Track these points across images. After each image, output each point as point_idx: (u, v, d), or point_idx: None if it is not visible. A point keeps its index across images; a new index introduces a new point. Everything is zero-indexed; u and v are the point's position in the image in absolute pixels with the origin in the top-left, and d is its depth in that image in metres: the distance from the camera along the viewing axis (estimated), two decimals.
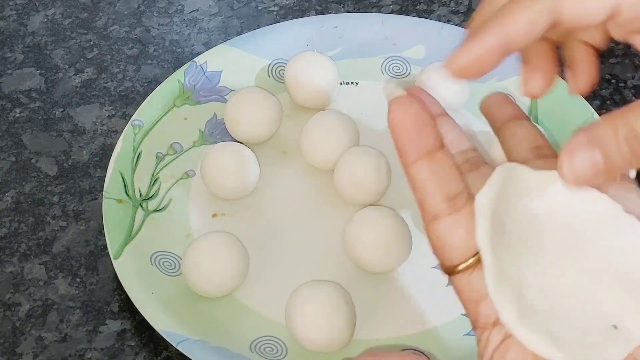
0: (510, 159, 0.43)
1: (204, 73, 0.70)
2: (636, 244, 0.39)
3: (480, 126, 0.67)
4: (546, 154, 0.43)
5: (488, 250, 0.38)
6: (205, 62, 0.71)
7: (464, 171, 0.41)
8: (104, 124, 0.71)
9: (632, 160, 0.39)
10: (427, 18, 0.76)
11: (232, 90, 0.70)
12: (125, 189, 0.64)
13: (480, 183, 0.40)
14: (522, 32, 0.40)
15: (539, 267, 0.38)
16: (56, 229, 0.65)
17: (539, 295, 0.38)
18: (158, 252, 0.62)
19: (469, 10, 0.78)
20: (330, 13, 0.78)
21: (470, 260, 0.39)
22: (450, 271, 0.39)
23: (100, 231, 0.64)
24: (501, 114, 0.45)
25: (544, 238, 0.39)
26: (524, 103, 0.69)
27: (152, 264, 0.61)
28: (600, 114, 0.68)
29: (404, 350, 0.40)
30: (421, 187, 0.39)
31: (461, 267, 0.39)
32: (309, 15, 0.78)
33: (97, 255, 0.63)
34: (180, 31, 0.77)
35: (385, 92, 0.42)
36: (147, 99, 0.69)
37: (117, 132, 0.69)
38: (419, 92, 0.45)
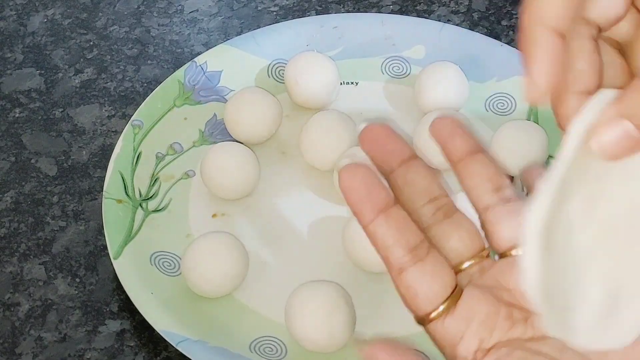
0: (472, 199, 0.43)
1: (204, 73, 0.70)
2: None
3: (480, 127, 0.67)
4: (508, 198, 0.43)
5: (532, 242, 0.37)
6: (205, 62, 0.71)
7: (437, 220, 0.42)
8: (103, 124, 0.71)
9: None
10: (427, 18, 0.76)
11: (232, 90, 0.70)
12: (125, 189, 0.64)
13: (454, 231, 0.41)
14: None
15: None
16: (56, 229, 0.65)
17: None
18: (158, 252, 0.61)
19: (469, 10, 0.78)
20: (330, 13, 0.78)
21: (441, 308, 0.40)
22: (423, 321, 0.40)
23: (100, 231, 0.63)
24: (454, 148, 0.43)
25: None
26: (524, 103, 0.68)
27: (151, 264, 0.61)
28: None
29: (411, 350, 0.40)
30: (382, 243, 0.41)
31: (433, 314, 0.40)
32: (309, 16, 0.77)
33: (96, 255, 0.63)
34: (180, 31, 0.77)
35: (358, 131, 0.43)
36: (147, 99, 0.68)
37: (117, 132, 0.69)
38: (384, 130, 0.43)
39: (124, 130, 0.67)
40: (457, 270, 0.41)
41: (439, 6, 0.78)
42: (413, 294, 0.40)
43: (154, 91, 0.69)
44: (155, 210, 0.64)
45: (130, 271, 0.59)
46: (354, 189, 0.40)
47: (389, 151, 0.42)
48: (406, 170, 0.42)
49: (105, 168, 0.65)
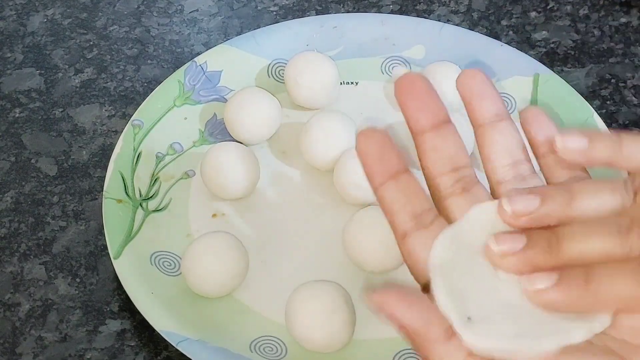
0: (486, 170, 0.43)
1: (204, 73, 0.70)
2: None
3: None
4: (524, 175, 0.42)
5: (436, 272, 0.40)
6: (205, 62, 0.71)
7: (455, 192, 0.42)
8: (103, 124, 0.71)
9: None
10: (427, 18, 0.76)
11: (232, 90, 0.70)
12: (125, 189, 0.64)
13: (468, 206, 0.41)
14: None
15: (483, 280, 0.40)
16: (56, 229, 0.65)
17: (483, 302, 0.39)
18: (158, 252, 0.62)
19: (469, 10, 0.78)
20: (330, 13, 0.78)
21: None
22: (426, 289, 0.40)
23: (100, 231, 0.63)
24: (480, 111, 0.43)
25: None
26: (524, 102, 0.69)
27: (152, 264, 0.61)
28: (600, 114, 0.68)
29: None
30: (389, 207, 0.41)
31: None
32: (308, 15, 0.77)
33: (97, 255, 0.63)
34: (180, 31, 0.77)
35: (393, 77, 0.43)
36: (147, 99, 0.68)
37: (117, 132, 0.69)
38: (420, 80, 0.43)
39: (124, 130, 0.67)
40: None
41: (439, 6, 0.78)
42: (415, 260, 0.41)
43: (154, 91, 0.69)
44: (156, 210, 0.64)
45: (131, 271, 0.59)
46: (368, 152, 0.41)
47: (425, 109, 0.42)
48: (436, 135, 0.42)
49: (106, 168, 0.65)
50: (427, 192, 0.42)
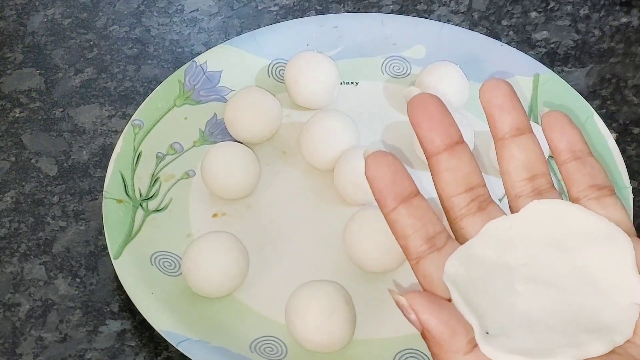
0: (505, 183, 0.43)
1: (204, 73, 0.70)
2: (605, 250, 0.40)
3: (480, 126, 0.67)
4: (541, 189, 0.43)
5: (452, 288, 0.40)
6: (205, 62, 0.71)
7: (470, 212, 0.42)
8: (104, 124, 0.71)
9: None
10: (427, 18, 0.76)
11: (232, 90, 0.70)
12: (125, 189, 0.64)
13: (483, 225, 0.42)
14: None
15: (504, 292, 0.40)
16: (56, 229, 0.65)
17: (500, 316, 0.39)
18: (158, 252, 0.62)
19: (469, 10, 0.78)
20: (330, 13, 0.78)
21: None
22: None
23: (100, 231, 0.64)
24: (501, 124, 0.43)
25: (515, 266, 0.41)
26: (524, 102, 0.69)
27: (152, 264, 0.61)
28: (600, 114, 0.68)
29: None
30: (402, 231, 0.41)
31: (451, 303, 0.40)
32: (309, 15, 0.77)
33: (97, 255, 0.63)
34: (180, 31, 0.77)
35: (406, 96, 0.43)
36: (147, 99, 0.68)
37: (117, 132, 0.69)
38: (434, 101, 0.43)
39: (124, 130, 0.67)
40: None
41: (439, 6, 0.78)
42: (429, 281, 0.41)
43: (154, 91, 0.69)
44: (156, 210, 0.64)
45: (131, 271, 0.59)
46: (378, 177, 0.41)
47: (439, 130, 0.42)
48: (450, 156, 0.42)
49: (106, 168, 0.65)
50: (439, 212, 0.43)
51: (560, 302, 0.39)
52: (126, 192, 0.64)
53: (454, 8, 0.78)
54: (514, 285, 0.40)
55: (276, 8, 0.79)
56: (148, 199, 0.64)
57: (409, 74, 0.72)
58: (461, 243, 0.42)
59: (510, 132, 0.43)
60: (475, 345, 0.38)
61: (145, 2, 0.79)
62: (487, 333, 0.38)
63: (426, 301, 0.39)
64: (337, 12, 0.78)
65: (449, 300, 0.40)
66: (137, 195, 0.64)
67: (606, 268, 0.40)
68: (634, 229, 0.42)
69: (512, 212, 0.43)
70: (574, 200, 0.42)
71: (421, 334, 0.39)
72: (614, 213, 0.42)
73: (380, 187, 0.41)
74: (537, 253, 0.41)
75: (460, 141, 0.43)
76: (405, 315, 0.39)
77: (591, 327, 0.38)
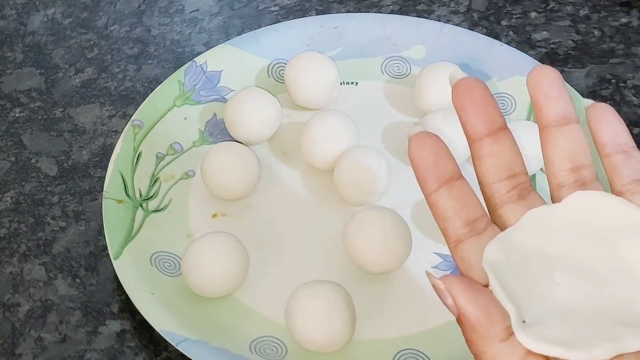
0: (548, 172, 0.43)
1: (204, 73, 0.70)
2: None
3: None
4: (584, 180, 0.42)
5: (491, 273, 0.39)
6: (205, 62, 0.71)
7: (510, 199, 0.42)
8: (104, 124, 0.71)
9: None
10: (427, 18, 0.76)
11: (232, 90, 0.70)
12: (125, 189, 0.64)
13: (523, 214, 0.41)
14: None
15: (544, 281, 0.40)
16: (56, 229, 0.65)
17: (537, 305, 0.39)
18: (158, 252, 0.62)
19: (469, 10, 0.78)
20: (330, 13, 0.78)
21: None
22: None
23: (100, 231, 0.64)
24: (547, 111, 0.43)
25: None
26: (524, 102, 0.69)
27: (152, 264, 0.61)
28: None
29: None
30: (442, 213, 0.41)
31: (489, 287, 0.40)
32: (309, 15, 0.78)
33: (97, 255, 0.63)
34: (180, 31, 0.77)
35: (450, 79, 0.42)
36: (147, 99, 0.68)
37: (117, 132, 0.69)
38: (479, 85, 0.42)
39: (124, 130, 0.67)
40: None
41: (439, 6, 0.78)
42: (467, 266, 0.41)
43: (154, 91, 0.69)
44: (156, 210, 0.64)
45: (131, 271, 0.59)
46: (421, 157, 0.40)
47: (483, 115, 0.42)
48: (493, 142, 0.42)
49: (106, 168, 0.65)
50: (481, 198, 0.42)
51: (599, 295, 0.39)
52: (126, 192, 0.64)
53: (453, 8, 0.78)
54: (553, 275, 0.39)
55: (277, 8, 0.79)
56: (148, 199, 0.64)
57: (408, 74, 0.72)
58: (501, 230, 0.41)
59: (556, 121, 0.42)
60: (512, 333, 0.38)
61: (145, 2, 0.79)
62: (524, 322, 0.38)
63: (464, 285, 0.38)
64: (338, 12, 0.78)
65: (486, 286, 0.40)
66: (137, 196, 0.64)
67: None
68: None
69: (553, 201, 0.42)
70: (617, 193, 0.42)
71: (457, 319, 0.39)
72: None
73: (422, 168, 0.41)
74: (577, 244, 0.40)
75: (504, 127, 0.42)
76: (441, 299, 0.38)
77: (629, 321, 0.38)
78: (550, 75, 0.42)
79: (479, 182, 0.43)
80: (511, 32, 0.76)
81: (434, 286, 0.39)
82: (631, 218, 0.41)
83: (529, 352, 0.38)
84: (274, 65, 0.72)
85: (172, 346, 0.56)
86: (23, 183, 0.67)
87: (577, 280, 0.39)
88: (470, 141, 0.42)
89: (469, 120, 0.42)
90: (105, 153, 0.69)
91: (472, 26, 0.76)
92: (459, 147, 0.63)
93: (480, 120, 0.42)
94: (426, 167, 0.41)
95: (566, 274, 0.40)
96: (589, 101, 0.43)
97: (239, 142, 0.66)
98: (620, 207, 0.41)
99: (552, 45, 0.75)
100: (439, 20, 0.76)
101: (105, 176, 0.64)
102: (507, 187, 0.42)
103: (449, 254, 0.42)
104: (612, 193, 0.42)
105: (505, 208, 0.42)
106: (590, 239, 0.41)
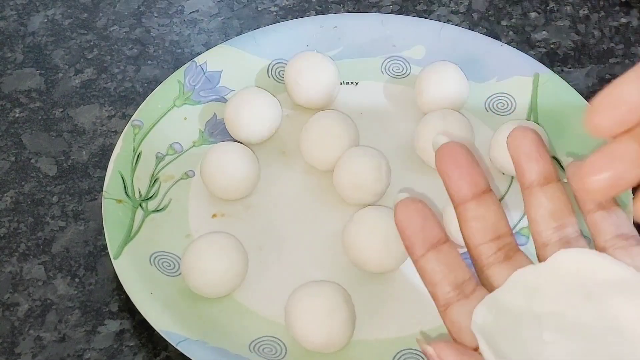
0: (532, 231, 0.43)
1: (204, 73, 0.70)
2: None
3: (480, 126, 0.67)
4: (568, 238, 0.42)
5: (480, 337, 0.40)
6: (205, 62, 0.71)
7: (497, 261, 0.42)
8: (103, 124, 0.71)
9: None
10: (426, 18, 0.76)
11: (232, 90, 0.70)
12: (125, 189, 0.64)
13: (510, 274, 0.42)
14: None
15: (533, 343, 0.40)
16: (55, 229, 0.65)
17: None
18: (157, 252, 0.61)
19: (469, 10, 0.78)
20: (330, 13, 0.78)
21: None
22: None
23: (100, 231, 0.63)
24: (528, 172, 0.43)
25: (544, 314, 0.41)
26: (524, 102, 0.68)
27: (151, 264, 0.61)
28: None
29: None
30: (431, 278, 0.42)
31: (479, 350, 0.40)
32: (308, 16, 0.77)
33: (96, 255, 0.63)
34: (180, 32, 0.77)
35: (433, 144, 0.43)
36: (147, 99, 0.68)
37: (117, 132, 0.69)
38: (462, 150, 0.43)
39: (124, 130, 0.67)
40: None
41: (439, 6, 0.78)
42: (458, 329, 0.41)
43: (154, 91, 0.69)
44: (155, 210, 0.64)
45: (130, 271, 0.59)
46: (408, 223, 0.41)
47: (467, 179, 0.42)
48: (478, 204, 0.42)
49: (105, 168, 0.65)
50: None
51: (590, 353, 0.39)
52: (126, 192, 0.64)
53: (453, 8, 0.78)
54: (543, 334, 0.40)
55: (276, 9, 0.79)
56: (148, 199, 0.64)
57: (408, 74, 0.72)
58: (489, 291, 0.42)
59: (537, 181, 0.43)
60: None
61: (145, 3, 0.79)
62: None
63: (453, 351, 0.39)
64: (337, 12, 0.78)
65: (477, 348, 0.40)
66: (137, 196, 0.64)
67: (634, 318, 0.40)
68: None
69: (539, 260, 0.43)
70: (600, 249, 0.42)
71: None
72: None
73: (409, 234, 0.42)
74: (566, 302, 0.41)
75: (488, 190, 0.43)
76: None
77: None
78: (529, 137, 0.43)
79: (465, 244, 0.43)
80: (511, 32, 0.76)
81: (424, 352, 0.39)
82: (616, 274, 0.41)
83: None
84: (274, 65, 0.72)
85: (172, 346, 0.56)
86: (23, 183, 0.67)
87: (567, 339, 0.40)
88: (455, 205, 0.43)
89: (453, 185, 0.42)
90: (104, 153, 0.68)
91: (472, 26, 0.76)
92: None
93: (464, 184, 0.42)
94: (413, 233, 0.42)
95: (556, 333, 0.40)
96: (569, 159, 0.44)
97: (239, 142, 0.66)
98: (604, 263, 0.41)
99: (551, 46, 0.75)
100: (438, 21, 0.76)
101: (104, 176, 0.64)
102: (493, 248, 0.43)
103: None
104: (596, 249, 0.43)
105: (493, 269, 0.42)
106: (578, 297, 0.41)
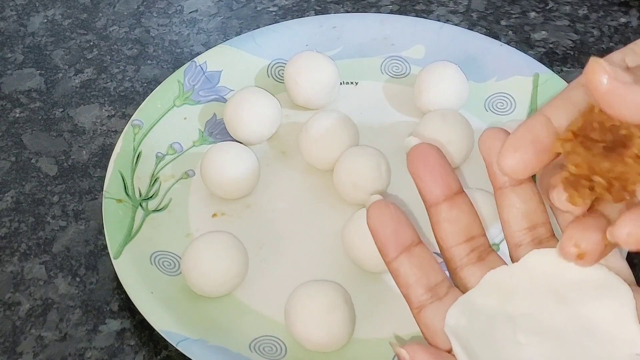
0: (505, 232, 0.43)
1: (204, 73, 0.71)
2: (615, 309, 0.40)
3: (480, 127, 0.67)
4: (541, 238, 0.43)
5: (453, 339, 0.40)
6: (205, 62, 0.71)
7: (470, 262, 0.42)
8: (103, 124, 0.71)
9: None
10: (426, 18, 0.76)
11: (232, 90, 0.70)
12: (125, 188, 0.64)
13: (483, 275, 0.42)
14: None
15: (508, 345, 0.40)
16: (56, 228, 0.65)
17: None
18: (158, 251, 0.62)
19: (468, 10, 0.78)
20: (329, 13, 0.78)
21: None
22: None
23: (100, 231, 0.64)
24: (499, 173, 0.43)
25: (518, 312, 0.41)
26: (524, 102, 0.69)
27: (151, 264, 0.61)
28: None
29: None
30: (403, 280, 0.42)
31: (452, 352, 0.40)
32: (308, 16, 0.78)
33: (97, 254, 0.63)
34: (179, 32, 0.77)
35: (405, 145, 0.43)
36: (147, 99, 0.69)
37: (117, 132, 0.70)
38: (433, 151, 0.43)
39: (124, 130, 0.67)
40: None
41: (438, 6, 0.78)
42: (432, 332, 0.41)
43: (153, 91, 0.69)
44: (155, 210, 0.64)
45: (130, 271, 0.59)
46: (380, 226, 0.42)
47: (438, 181, 0.42)
48: (450, 206, 0.42)
49: (105, 168, 0.65)
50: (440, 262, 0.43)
51: (563, 354, 0.39)
52: (126, 192, 0.64)
53: (452, 8, 0.78)
54: (516, 336, 0.40)
55: (275, 9, 0.79)
56: (148, 198, 0.64)
57: (408, 74, 0.72)
58: (463, 293, 0.42)
59: (509, 182, 0.43)
60: None
61: (144, 3, 0.80)
62: None
63: (427, 354, 0.39)
64: (336, 12, 0.78)
65: (451, 350, 0.40)
66: (137, 195, 0.64)
67: (607, 319, 0.40)
68: (633, 278, 0.41)
69: (512, 261, 0.43)
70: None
71: None
72: (614, 262, 0.41)
73: (382, 237, 0.42)
74: (539, 303, 0.41)
75: (460, 191, 0.43)
76: None
77: None
78: (501, 137, 0.42)
79: (438, 246, 0.43)
80: (510, 32, 0.76)
81: (397, 355, 0.39)
82: (588, 275, 0.41)
83: None
84: (274, 65, 0.72)
85: (172, 345, 0.56)
86: (23, 183, 0.68)
87: (541, 340, 0.40)
88: (427, 206, 0.43)
89: (425, 187, 0.42)
90: (104, 153, 0.69)
91: (471, 26, 0.77)
92: (457, 149, 0.63)
93: (436, 186, 0.42)
94: (385, 236, 0.42)
95: (530, 334, 0.40)
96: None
97: (239, 142, 0.66)
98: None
99: (550, 45, 0.75)
100: (438, 20, 0.76)
101: (105, 176, 0.64)
102: (466, 250, 0.43)
103: None
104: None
105: (466, 271, 0.43)
106: (551, 297, 0.41)
